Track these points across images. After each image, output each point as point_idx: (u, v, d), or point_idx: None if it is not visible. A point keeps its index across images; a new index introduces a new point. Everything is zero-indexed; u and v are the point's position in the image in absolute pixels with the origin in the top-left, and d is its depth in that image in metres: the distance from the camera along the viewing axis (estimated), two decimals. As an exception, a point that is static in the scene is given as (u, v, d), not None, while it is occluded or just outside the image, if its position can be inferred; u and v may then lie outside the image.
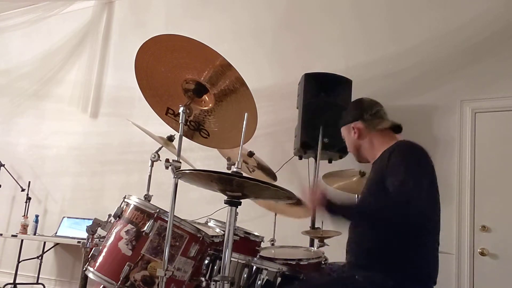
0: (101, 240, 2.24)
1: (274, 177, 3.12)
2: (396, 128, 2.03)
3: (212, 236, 2.28)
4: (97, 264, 2.08)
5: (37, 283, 4.89)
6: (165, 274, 1.86)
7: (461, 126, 3.55)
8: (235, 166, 1.59)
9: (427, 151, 1.85)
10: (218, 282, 1.60)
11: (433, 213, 1.81)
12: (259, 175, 2.97)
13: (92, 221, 2.26)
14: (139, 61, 2.03)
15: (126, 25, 5.42)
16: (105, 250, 2.11)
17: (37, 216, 5.02)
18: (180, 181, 1.87)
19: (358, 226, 1.90)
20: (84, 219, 4.73)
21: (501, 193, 3.34)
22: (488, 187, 3.39)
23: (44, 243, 4.88)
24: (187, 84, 2.07)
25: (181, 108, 1.99)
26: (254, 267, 1.94)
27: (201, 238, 2.12)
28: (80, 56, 5.59)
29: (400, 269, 1.74)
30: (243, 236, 2.57)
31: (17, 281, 4.76)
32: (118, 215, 2.16)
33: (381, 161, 1.89)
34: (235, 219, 1.67)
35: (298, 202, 2.36)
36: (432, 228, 1.82)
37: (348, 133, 2.10)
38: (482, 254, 3.30)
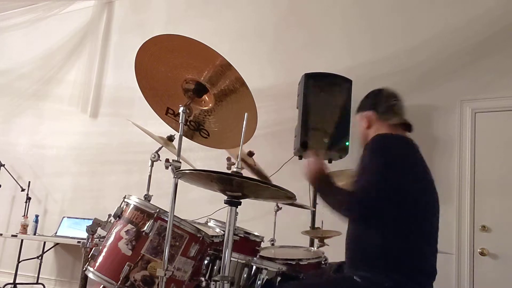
0: (101, 240, 2.24)
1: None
2: (406, 126, 2.01)
3: (212, 236, 2.28)
4: (97, 264, 2.08)
5: (37, 283, 4.89)
6: (165, 274, 1.86)
7: (461, 126, 3.55)
8: (235, 166, 1.59)
9: (409, 144, 1.87)
10: (218, 282, 1.60)
11: (415, 207, 1.79)
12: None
13: (92, 221, 2.26)
14: (139, 61, 2.02)
15: (126, 25, 5.42)
16: (105, 250, 2.11)
17: (37, 216, 5.03)
18: (180, 181, 1.86)
19: (356, 223, 1.89)
20: (84, 219, 4.73)
21: (501, 193, 3.34)
22: (488, 187, 3.39)
23: (44, 243, 4.88)
24: (187, 84, 2.07)
25: (181, 108, 1.99)
26: (254, 267, 1.94)
27: (201, 238, 2.12)
28: (80, 56, 5.59)
29: (398, 270, 1.73)
30: (243, 236, 2.57)
31: (17, 281, 4.76)
32: (118, 215, 2.16)
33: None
34: (235, 219, 1.67)
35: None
36: (430, 226, 1.82)
37: (360, 121, 2.09)
38: (482, 254, 3.30)
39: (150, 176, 2.60)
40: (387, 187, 1.71)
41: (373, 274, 1.72)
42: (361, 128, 2.07)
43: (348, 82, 3.57)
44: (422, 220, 1.80)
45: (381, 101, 2.03)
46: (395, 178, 1.74)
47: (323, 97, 3.53)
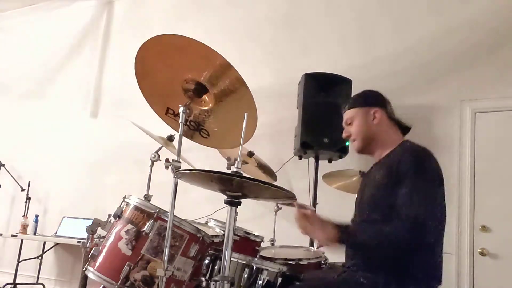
0: (101, 240, 2.24)
1: (274, 177, 3.12)
2: (404, 129, 1.98)
3: (212, 236, 2.28)
4: (97, 264, 2.09)
5: (37, 283, 4.88)
6: (165, 274, 1.86)
7: (461, 126, 3.54)
8: (235, 166, 1.59)
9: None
10: (218, 282, 1.60)
11: (444, 220, 1.82)
12: (259, 174, 2.97)
13: (92, 221, 2.26)
14: (139, 61, 2.03)
15: (126, 25, 5.42)
16: (105, 250, 2.11)
17: (37, 216, 5.02)
18: (180, 181, 1.86)
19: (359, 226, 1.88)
20: (84, 219, 4.72)
21: (501, 193, 3.34)
22: (488, 187, 3.38)
23: (44, 243, 4.88)
24: (187, 84, 2.08)
25: (181, 108, 1.99)
26: (254, 267, 1.94)
27: (201, 238, 2.12)
28: (80, 56, 5.58)
29: (403, 271, 1.72)
30: (243, 236, 2.57)
31: (17, 281, 4.76)
32: (118, 215, 2.16)
33: (391, 161, 1.83)
34: (235, 219, 1.67)
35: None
36: (442, 235, 1.84)
37: (362, 116, 1.93)
38: (482, 254, 3.30)
39: (150, 176, 2.61)
40: (436, 208, 1.79)
41: (377, 275, 1.71)
42: (366, 124, 1.92)
43: (348, 82, 3.57)
44: (441, 230, 1.84)
45: (387, 102, 1.97)
46: (440, 200, 1.84)
47: (323, 97, 3.53)
